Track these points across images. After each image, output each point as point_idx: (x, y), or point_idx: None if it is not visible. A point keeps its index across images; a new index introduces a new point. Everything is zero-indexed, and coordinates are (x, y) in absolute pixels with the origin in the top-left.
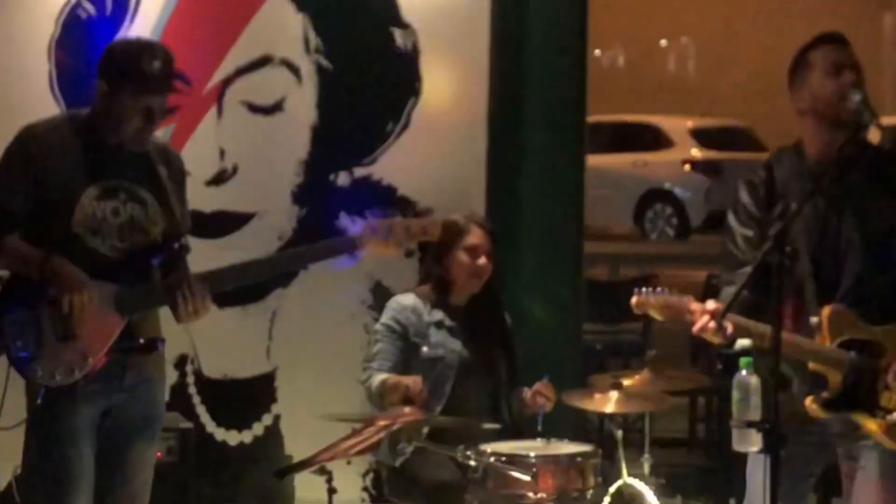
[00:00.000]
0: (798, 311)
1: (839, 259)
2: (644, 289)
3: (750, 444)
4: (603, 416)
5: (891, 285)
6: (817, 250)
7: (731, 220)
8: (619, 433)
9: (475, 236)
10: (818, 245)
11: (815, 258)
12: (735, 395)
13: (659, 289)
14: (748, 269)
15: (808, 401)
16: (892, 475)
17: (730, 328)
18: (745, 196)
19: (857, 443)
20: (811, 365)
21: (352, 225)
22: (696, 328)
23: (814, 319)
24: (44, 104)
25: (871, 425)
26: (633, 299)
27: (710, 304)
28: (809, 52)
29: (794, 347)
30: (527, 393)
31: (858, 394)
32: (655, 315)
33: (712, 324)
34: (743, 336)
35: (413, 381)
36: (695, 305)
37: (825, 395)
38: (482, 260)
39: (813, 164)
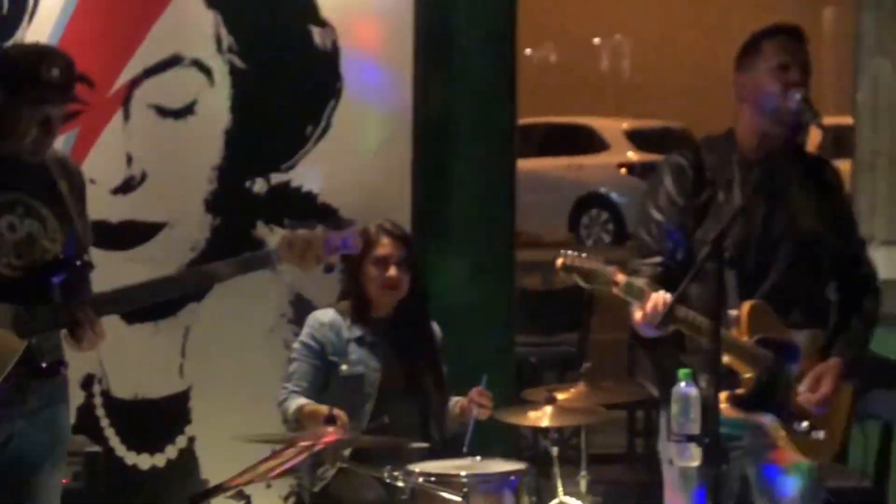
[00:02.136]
0: (714, 302)
1: (764, 255)
2: (570, 251)
3: (690, 458)
4: (537, 432)
5: (815, 290)
6: (742, 244)
7: (649, 205)
8: (555, 449)
9: (384, 246)
10: (744, 239)
11: (739, 251)
12: (674, 408)
13: (584, 254)
14: (658, 260)
15: (723, 396)
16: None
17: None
18: (668, 181)
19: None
20: (725, 358)
21: (269, 234)
22: (645, 313)
23: (732, 312)
24: None
25: (779, 433)
26: (558, 260)
27: (661, 293)
28: (762, 41)
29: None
30: (460, 401)
31: (771, 396)
32: (579, 281)
33: (661, 308)
34: (681, 328)
35: (337, 414)
36: (621, 277)
37: (738, 391)
38: (392, 271)
39: (745, 155)
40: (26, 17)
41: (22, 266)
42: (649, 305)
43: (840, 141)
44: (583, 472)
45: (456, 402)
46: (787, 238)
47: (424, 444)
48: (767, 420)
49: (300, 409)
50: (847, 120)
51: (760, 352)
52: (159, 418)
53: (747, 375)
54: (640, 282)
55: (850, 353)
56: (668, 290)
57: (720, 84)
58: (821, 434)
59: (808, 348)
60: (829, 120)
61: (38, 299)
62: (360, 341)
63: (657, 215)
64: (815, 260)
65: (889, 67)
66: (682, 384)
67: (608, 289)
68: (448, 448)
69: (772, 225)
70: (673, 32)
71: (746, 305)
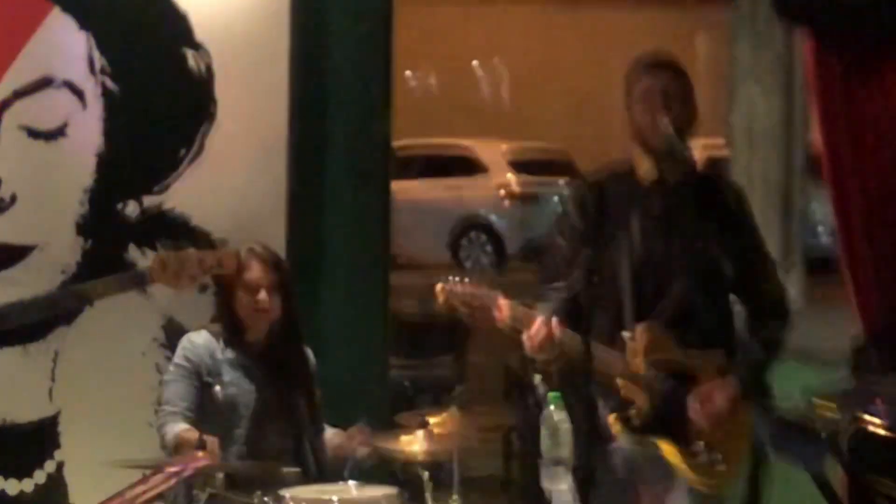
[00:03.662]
0: (612, 326)
1: (660, 280)
2: (451, 277)
3: (559, 482)
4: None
5: (712, 312)
6: (640, 268)
7: (554, 231)
8: (426, 474)
9: (254, 271)
10: (642, 264)
11: (635, 276)
12: (543, 431)
13: (467, 279)
14: (560, 284)
15: (612, 418)
16: None
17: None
18: (570, 208)
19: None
20: (619, 382)
21: (141, 258)
22: (533, 340)
23: (626, 334)
24: None
25: (673, 457)
26: (438, 286)
27: (541, 318)
28: (630, 77)
29: (605, 363)
30: (340, 438)
31: (665, 420)
32: (460, 308)
33: (544, 333)
34: (558, 348)
35: (211, 443)
36: (503, 302)
37: (630, 414)
38: (262, 295)
39: (641, 184)
40: None
41: None
42: (533, 330)
43: (714, 162)
44: (454, 497)
45: (334, 434)
46: (680, 261)
47: (296, 470)
48: (662, 444)
49: (177, 435)
50: (720, 141)
51: (653, 375)
52: (28, 443)
53: (641, 400)
54: (521, 309)
55: (742, 373)
56: (571, 316)
57: (598, 109)
58: (718, 457)
59: (705, 369)
60: (704, 140)
61: None
62: (233, 363)
63: (560, 241)
64: (710, 282)
65: (761, 93)
66: (552, 407)
67: (490, 317)
68: (322, 473)
69: (666, 250)
70: (553, 57)
71: (640, 328)
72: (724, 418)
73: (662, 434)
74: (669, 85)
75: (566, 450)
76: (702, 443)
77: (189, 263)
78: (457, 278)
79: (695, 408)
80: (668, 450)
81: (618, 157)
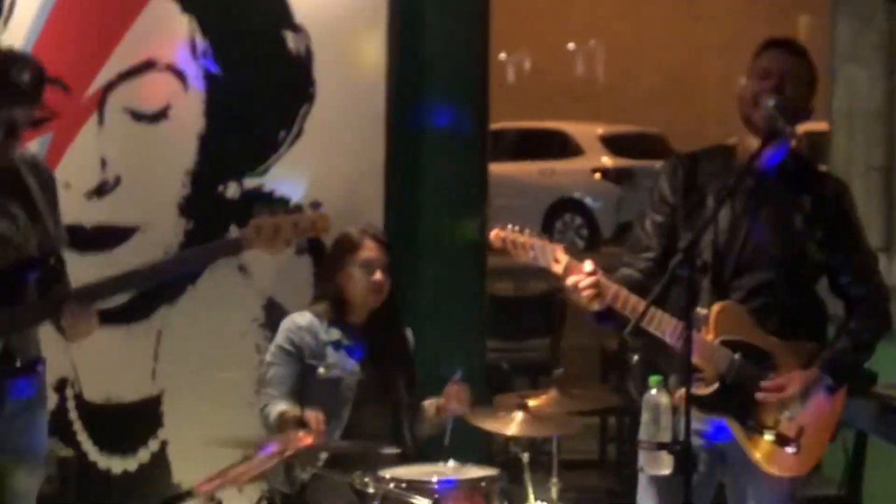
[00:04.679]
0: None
1: (744, 262)
2: (510, 225)
3: (661, 466)
4: (509, 438)
5: (799, 303)
6: (722, 249)
7: (646, 202)
8: (526, 456)
9: (369, 250)
10: (725, 245)
11: (718, 254)
12: (644, 415)
13: (528, 230)
14: (649, 255)
15: (680, 393)
16: None
17: (610, 301)
18: (662, 180)
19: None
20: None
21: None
22: (572, 284)
23: (701, 311)
24: None
25: (741, 438)
26: (494, 232)
27: (588, 266)
28: (755, 54)
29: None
30: (436, 402)
31: (734, 399)
32: (515, 254)
33: (590, 291)
34: (618, 309)
35: (314, 419)
36: (564, 257)
37: (699, 390)
38: (378, 275)
39: (738, 166)
40: (1, 22)
41: None
42: (570, 280)
43: (816, 147)
44: (554, 479)
45: (431, 402)
46: (767, 246)
47: (396, 450)
48: (729, 423)
49: (281, 415)
50: (823, 126)
51: (723, 352)
52: (131, 422)
53: (711, 376)
54: (575, 261)
55: (829, 367)
56: (643, 286)
57: (693, 90)
58: (790, 448)
59: (787, 358)
60: (805, 126)
61: (12, 298)
62: (337, 344)
63: (650, 212)
64: (798, 271)
65: (863, 74)
66: (653, 391)
67: (546, 265)
68: (420, 453)
69: (753, 232)
70: (647, 37)
71: (717, 306)
72: (798, 408)
73: (728, 414)
74: (785, 66)
75: (668, 433)
76: (773, 431)
77: (283, 227)
78: (516, 227)
79: (767, 395)
80: (733, 429)
81: (715, 140)
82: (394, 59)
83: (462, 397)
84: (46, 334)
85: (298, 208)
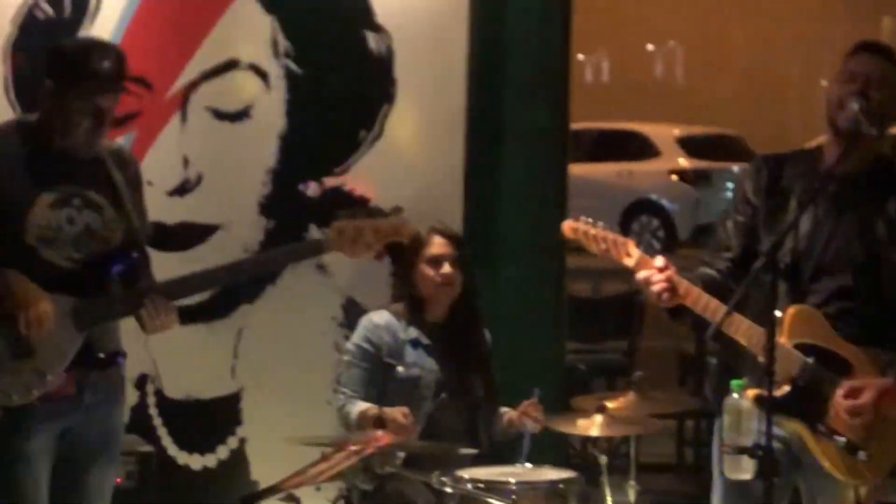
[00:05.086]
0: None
1: (821, 267)
2: (583, 217)
3: (742, 471)
4: (586, 441)
5: (877, 308)
6: (802, 253)
7: (730, 202)
8: (604, 458)
9: (436, 246)
10: (805, 248)
11: (796, 260)
12: (726, 419)
13: (601, 223)
14: (729, 255)
15: (752, 393)
16: None
17: (682, 298)
18: (746, 181)
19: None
20: (761, 358)
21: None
22: (644, 279)
23: (777, 313)
24: None
25: (811, 442)
26: (566, 223)
27: (660, 262)
28: (844, 59)
29: (747, 335)
30: (510, 413)
31: (806, 403)
32: (587, 245)
33: (662, 285)
34: (691, 307)
35: (400, 413)
36: (639, 254)
37: (765, 392)
38: (446, 268)
39: (823, 169)
40: (87, 19)
41: (81, 258)
42: (642, 274)
43: None
44: (631, 482)
45: (505, 412)
46: (848, 253)
47: (473, 451)
48: (799, 427)
49: (362, 413)
50: None
51: (796, 355)
52: (211, 419)
53: (779, 377)
54: (647, 256)
55: None
56: (720, 288)
57: (771, 90)
58: (862, 455)
59: (863, 365)
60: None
61: (96, 290)
62: (415, 343)
63: (732, 212)
64: (879, 278)
65: None
66: (735, 395)
67: (618, 259)
68: (495, 455)
69: (834, 237)
70: (726, 38)
71: (792, 308)
72: (871, 416)
73: (798, 417)
74: (872, 70)
75: (750, 438)
76: (843, 438)
77: (365, 231)
78: (589, 219)
79: (839, 401)
80: (803, 433)
81: (795, 142)
82: (474, 59)
83: (537, 417)
84: (128, 331)
85: (381, 212)
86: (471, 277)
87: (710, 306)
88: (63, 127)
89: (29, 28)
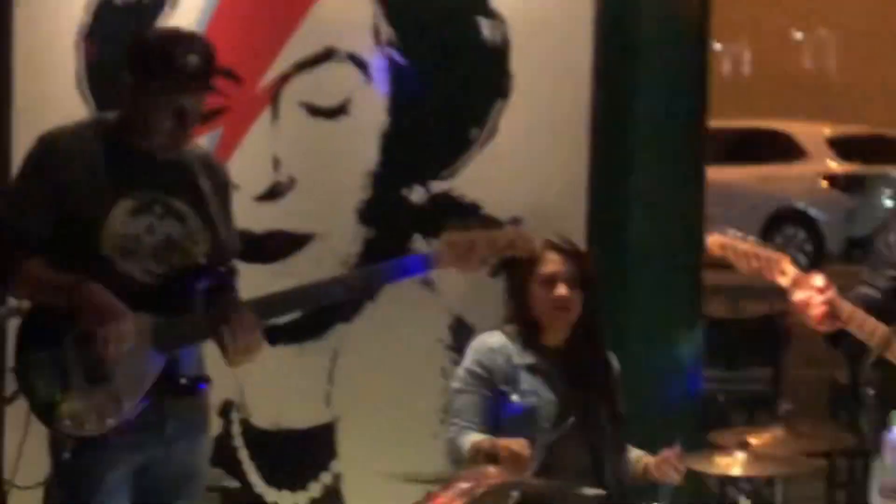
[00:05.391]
0: None
1: None
2: (730, 230)
3: None
4: (726, 481)
5: None
6: None
7: (890, 212)
8: (746, 502)
9: (550, 263)
10: None
11: None
12: (887, 458)
13: (752, 237)
14: (893, 273)
15: None
16: None
17: (844, 322)
18: None
19: None
20: None
21: (428, 249)
22: (801, 301)
23: None
24: (69, 103)
25: None
26: (711, 238)
27: (819, 281)
28: None
29: None
30: (647, 460)
31: None
32: (736, 263)
33: (821, 308)
34: (854, 332)
35: (518, 445)
36: (791, 269)
37: None
38: (561, 290)
39: None
40: (168, 5)
41: (161, 272)
42: (799, 296)
43: None
44: None
45: (640, 457)
46: None
47: (600, 491)
48: None
49: (475, 446)
50: None
51: None
52: (303, 451)
53: None
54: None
55: None
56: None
57: None
58: None
59: None
60: None
61: (178, 309)
62: (531, 369)
63: (894, 222)
64: None
65: None
66: None
67: (771, 278)
68: (623, 496)
69: None
70: (885, 25)
71: None
72: None
73: None
74: None
75: None
76: None
77: (479, 244)
78: (738, 233)
79: None
80: None
81: None
82: (601, 51)
83: (678, 468)
84: (210, 352)
85: (496, 222)
86: (594, 297)
87: (876, 332)
88: (144, 127)
89: (103, 15)
